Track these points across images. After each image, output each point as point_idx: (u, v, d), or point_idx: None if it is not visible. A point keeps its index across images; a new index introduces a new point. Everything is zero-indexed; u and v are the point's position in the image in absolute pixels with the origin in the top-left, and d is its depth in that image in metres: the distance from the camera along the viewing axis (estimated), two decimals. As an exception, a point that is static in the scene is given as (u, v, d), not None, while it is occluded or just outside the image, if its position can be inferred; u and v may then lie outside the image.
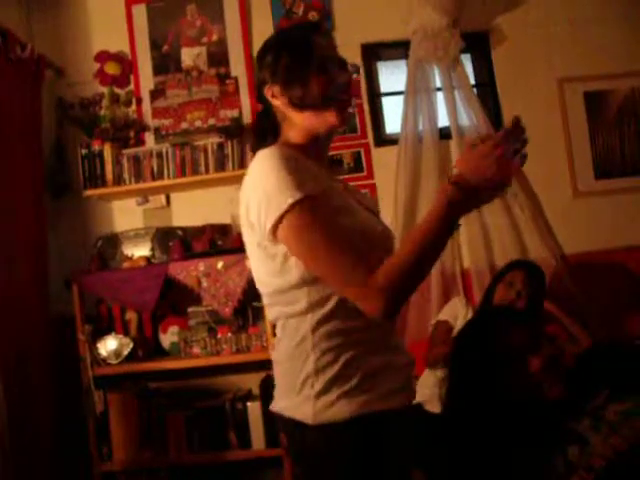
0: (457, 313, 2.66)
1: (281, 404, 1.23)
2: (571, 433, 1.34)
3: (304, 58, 1.22)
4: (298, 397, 1.18)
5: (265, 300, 1.27)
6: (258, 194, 1.15)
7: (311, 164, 1.20)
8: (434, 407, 2.40)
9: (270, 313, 1.27)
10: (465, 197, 1.11)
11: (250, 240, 1.22)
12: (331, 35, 1.32)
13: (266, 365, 2.22)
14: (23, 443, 2.39)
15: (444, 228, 1.11)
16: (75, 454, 2.70)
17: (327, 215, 1.14)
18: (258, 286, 1.27)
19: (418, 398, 2.46)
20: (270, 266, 1.19)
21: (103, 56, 3.03)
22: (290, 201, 1.10)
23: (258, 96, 1.31)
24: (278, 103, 1.25)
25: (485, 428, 1.43)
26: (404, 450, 1.23)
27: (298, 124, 1.25)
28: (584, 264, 2.92)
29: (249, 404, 2.64)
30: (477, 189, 1.12)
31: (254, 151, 1.25)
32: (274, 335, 1.35)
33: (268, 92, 1.26)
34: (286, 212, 1.11)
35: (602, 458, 1.27)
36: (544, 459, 1.35)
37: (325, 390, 1.15)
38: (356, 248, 1.13)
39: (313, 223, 1.12)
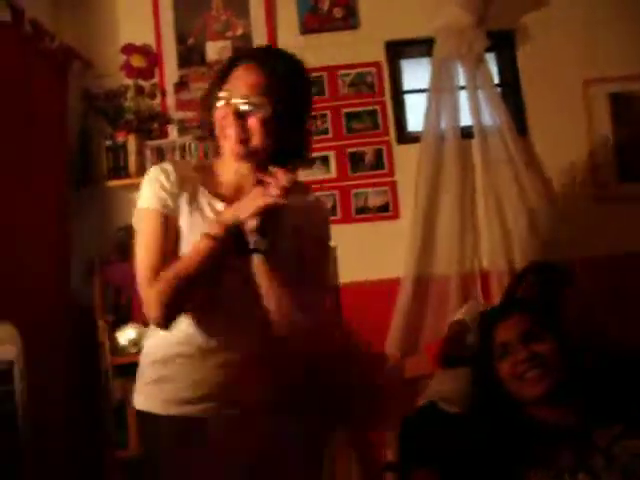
0: (474, 314, 2.64)
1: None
2: (582, 462, 1.31)
3: (213, 90, 1.36)
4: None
5: None
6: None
7: (196, 186, 1.35)
8: (449, 406, 2.39)
9: None
10: (223, 233, 1.23)
11: None
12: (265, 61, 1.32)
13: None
14: (39, 428, 2.42)
15: (202, 254, 1.24)
16: (91, 442, 2.74)
17: (153, 226, 1.31)
18: None
19: (432, 396, 2.46)
20: None
21: (129, 49, 3.05)
22: (140, 205, 1.35)
23: None
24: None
25: (498, 430, 1.43)
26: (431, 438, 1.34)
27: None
28: (605, 268, 2.89)
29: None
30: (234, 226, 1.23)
31: None
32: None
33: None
34: (138, 209, 1.36)
35: None
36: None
37: (137, 379, 1.42)
38: (156, 259, 1.29)
39: (140, 227, 1.34)
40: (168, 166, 1.36)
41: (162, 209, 1.31)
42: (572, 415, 1.37)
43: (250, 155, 1.29)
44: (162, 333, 1.31)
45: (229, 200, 1.31)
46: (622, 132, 2.98)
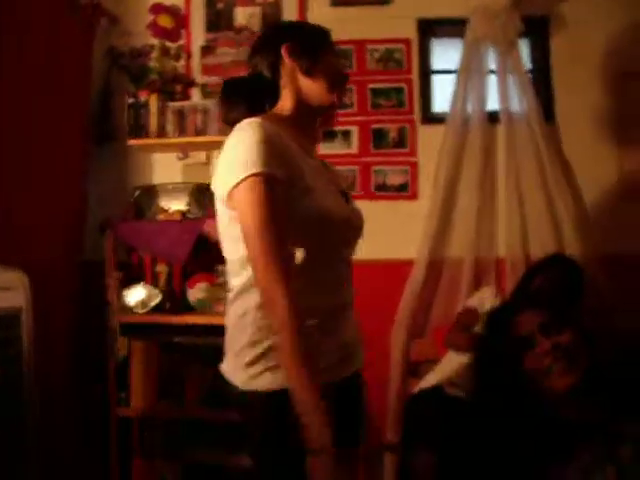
0: (486, 302, 2.61)
1: (223, 366, 1.36)
2: (608, 454, 1.28)
3: (324, 40, 1.40)
4: (234, 364, 1.31)
5: (227, 267, 1.35)
6: (227, 158, 1.23)
7: (291, 142, 1.28)
8: (454, 390, 2.38)
9: (229, 281, 1.36)
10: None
11: (219, 205, 1.30)
12: None
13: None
14: (42, 379, 2.43)
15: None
16: (94, 397, 2.75)
17: (280, 202, 1.19)
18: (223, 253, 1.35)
19: (437, 380, 2.45)
20: (233, 231, 1.25)
21: (157, 8, 3.02)
22: (249, 172, 1.18)
23: (261, 54, 1.39)
24: (290, 63, 1.35)
25: (509, 415, 1.40)
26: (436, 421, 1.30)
27: (298, 90, 1.35)
28: (624, 266, 2.84)
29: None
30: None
31: (232, 118, 1.33)
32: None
33: (285, 49, 1.34)
34: (243, 181, 1.18)
35: None
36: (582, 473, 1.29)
37: (252, 362, 1.26)
38: (285, 250, 1.20)
39: (262, 201, 1.18)
40: (263, 124, 1.23)
41: (281, 174, 1.21)
42: (598, 409, 1.34)
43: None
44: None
45: (310, 153, 1.36)
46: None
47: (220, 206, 1.29)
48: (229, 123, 1.34)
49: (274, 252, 1.17)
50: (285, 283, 1.16)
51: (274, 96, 1.38)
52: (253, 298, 1.26)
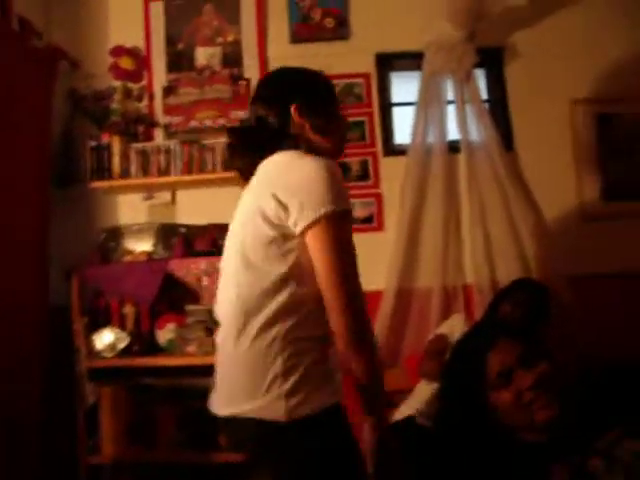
0: (456, 329, 2.63)
1: (240, 407, 1.26)
2: (579, 470, 1.26)
3: (333, 98, 1.48)
4: (265, 397, 1.23)
5: (239, 297, 1.31)
6: (302, 193, 1.25)
7: None
8: (425, 420, 2.37)
9: (239, 313, 1.30)
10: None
11: (258, 234, 1.29)
12: None
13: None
14: (10, 430, 2.37)
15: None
16: (63, 446, 2.68)
17: (351, 235, 1.29)
18: (238, 288, 1.32)
19: (410, 411, 2.44)
20: (272, 252, 1.27)
21: (118, 50, 3.04)
22: (331, 208, 1.23)
23: (268, 105, 1.43)
24: (300, 121, 1.39)
25: (474, 449, 1.37)
26: (407, 454, 1.38)
27: (309, 141, 1.40)
28: (588, 287, 2.89)
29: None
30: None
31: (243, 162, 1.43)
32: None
33: (296, 110, 1.39)
34: (323, 217, 1.23)
35: None
36: None
37: (294, 389, 1.23)
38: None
39: (346, 237, 1.26)
40: (330, 162, 1.30)
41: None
42: (566, 428, 1.32)
43: None
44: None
45: None
46: (607, 152, 3.00)
47: (262, 235, 1.29)
48: (237, 169, 1.45)
49: (360, 289, 1.28)
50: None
51: (280, 142, 1.40)
52: (280, 326, 1.26)
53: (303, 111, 1.39)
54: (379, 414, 1.30)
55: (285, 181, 1.27)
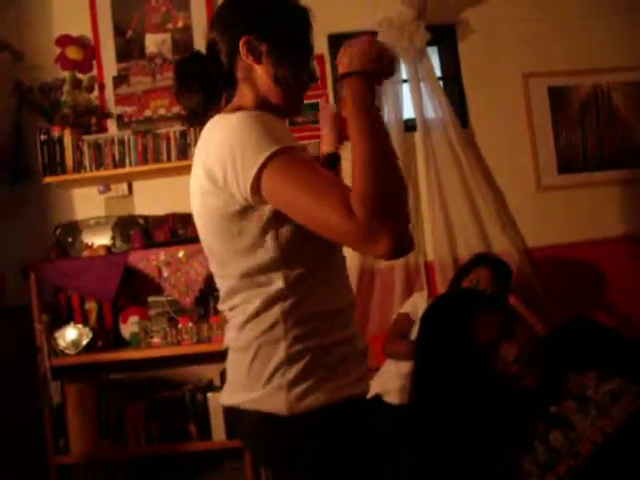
0: (418, 307, 2.65)
1: (241, 397, 1.12)
2: (553, 418, 1.24)
3: (303, 41, 1.18)
4: (266, 388, 1.08)
5: (226, 286, 1.15)
6: (232, 155, 1.01)
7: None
8: (393, 398, 2.40)
9: (231, 300, 1.14)
10: (364, 83, 1.09)
11: (211, 215, 1.10)
12: None
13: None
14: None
15: (370, 123, 1.04)
16: (31, 447, 2.64)
17: (308, 160, 1.04)
18: (219, 271, 1.15)
19: (377, 389, 2.47)
20: (239, 244, 1.08)
21: (64, 40, 2.96)
22: (267, 153, 0.99)
23: (220, 33, 1.16)
24: (252, 63, 1.14)
25: (456, 423, 1.32)
26: (377, 432, 1.19)
27: (257, 91, 1.15)
28: (546, 257, 2.96)
29: (210, 395, 2.61)
30: (366, 69, 1.10)
31: (195, 112, 1.18)
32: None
33: (244, 45, 1.13)
34: (265, 164, 0.99)
35: (591, 442, 1.17)
36: (522, 452, 1.24)
37: (298, 379, 1.07)
38: (343, 186, 1.00)
39: (296, 167, 1.00)
40: (254, 113, 1.07)
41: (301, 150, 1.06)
42: (543, 375, 1.30)
43: None
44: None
45: None
46: (560, 124, 3.04)
47: (218, 220, 1.09)
48: (188, 111, 1.20)
49: (345, 203, 0.95)
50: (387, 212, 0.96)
51: (231, 85, 1.18)
52: (279, 307, 1.08)
53: (256, 48, 1.13)
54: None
55: (212, 157, 1.05)
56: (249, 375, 1.11)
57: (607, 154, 3.05)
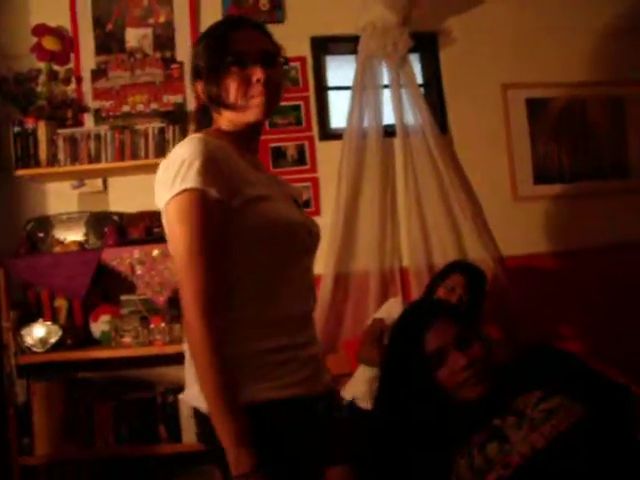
0: (393, 313, 2.65)
1: (187, 392, 1.23)
2: (494, 430, 1.32)
3: (219, 56, 1.22)
4: (197, 384, 1.13)
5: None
6: (161, 175, 1.15)
7: (236, 157, 1.20)
8: (366, 404, 2.40)
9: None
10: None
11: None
12: (260, 27, 1.28)
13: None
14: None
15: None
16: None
17: (214, 221, 1.11)
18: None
19: (351, 394, 2.47)
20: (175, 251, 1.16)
21: (41, 30, 2.89)
22: (183, 187, 1.10)
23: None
24: (204, 98, 1.28)
25: (406, 428, 1.40)
26: (309, 437, 1.20)
27: (217, 120, 1.28)
28: (521, 266, 2.99)
29: (181, 397, 2.57)
30: None
31: None
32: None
33: (196, 87, 1.29)
34: (175, 196, 1.11)
35: (519, 455, 1.26)
36: (460, 456, 1.33)
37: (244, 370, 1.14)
38: (218, 276, 1.12)
39: (194, 217, 1.10)
40: (206, 139, 1.16)
41: (217, 191, 1.11)
42: (494, 392, 1.37)
43: (269, 114, 1.27)
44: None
45: (259, 167, 1.29)
46: (537, 136, 3.08)
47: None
48: None
49: (202, 283, 1.09)
50: (209, 318, 1.09)
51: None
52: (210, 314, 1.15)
53: (199, 86, 1.27)
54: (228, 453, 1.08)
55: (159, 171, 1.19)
56: (190, 371, 1.19)
57: (582, 166, 3.10)
